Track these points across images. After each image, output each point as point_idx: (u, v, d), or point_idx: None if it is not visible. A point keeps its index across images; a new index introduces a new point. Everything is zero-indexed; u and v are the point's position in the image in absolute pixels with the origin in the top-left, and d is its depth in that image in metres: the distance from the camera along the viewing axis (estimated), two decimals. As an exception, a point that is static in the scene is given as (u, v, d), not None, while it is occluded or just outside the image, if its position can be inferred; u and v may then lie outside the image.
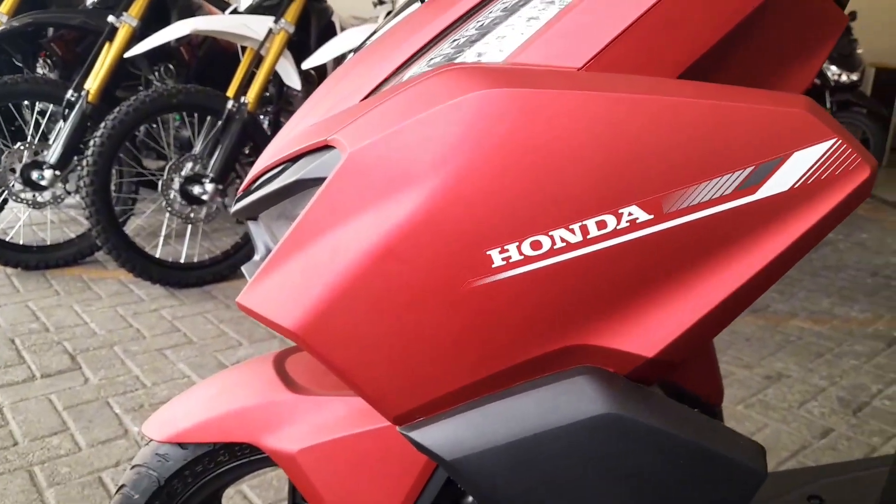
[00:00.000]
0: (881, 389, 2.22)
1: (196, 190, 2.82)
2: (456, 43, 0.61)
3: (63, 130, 2.80)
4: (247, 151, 2.94)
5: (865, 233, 4.19)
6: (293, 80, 2.97)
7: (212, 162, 2.81)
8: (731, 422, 1.98)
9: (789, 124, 0.50)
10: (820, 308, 2.92)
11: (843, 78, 5.13)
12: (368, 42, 0.80)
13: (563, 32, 0.54)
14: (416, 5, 0.73)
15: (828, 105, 5.16)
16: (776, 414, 2.04)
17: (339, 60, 2.98)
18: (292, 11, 2.88)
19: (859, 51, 5.29)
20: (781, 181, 0.51)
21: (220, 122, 2.80)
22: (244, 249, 2.95)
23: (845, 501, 1.05)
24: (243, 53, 2.95)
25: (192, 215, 2.88)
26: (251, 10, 3.02)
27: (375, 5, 3.82)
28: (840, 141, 0.50)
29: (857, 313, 2.88)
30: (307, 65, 2.96)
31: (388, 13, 3.20)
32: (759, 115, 0.50)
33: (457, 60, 0.59)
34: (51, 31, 3.39)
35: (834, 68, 5.13)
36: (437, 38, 0.64)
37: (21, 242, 2.98)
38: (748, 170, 0.51)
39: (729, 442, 0.58)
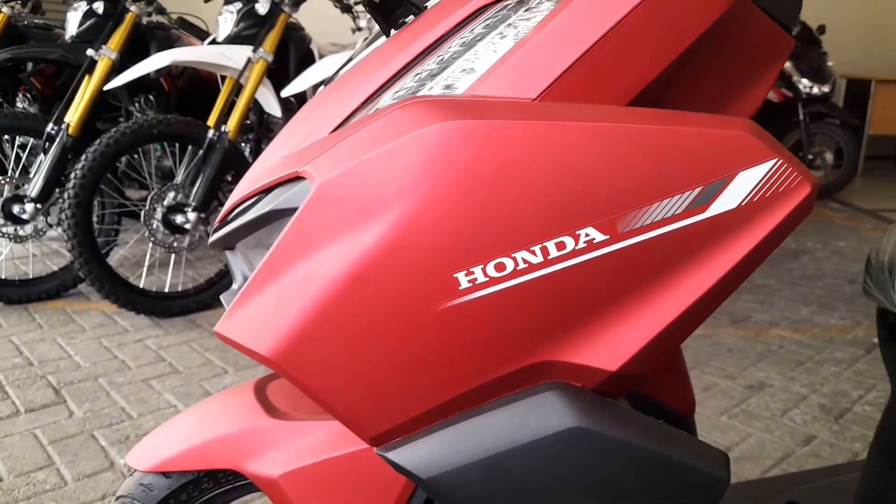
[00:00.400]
0: (861, 395, 2.25)
1: (179, 219, 2.83)
2: (418, 77, 0.63)
3: (44, 164, 2.81)
4: (229, 179, 2.95)
5: (843, 241, 4.26)
6: (273, 108, 3.00)
7: (194, 191, 2.82)
8: (715, 432, 2.00)
9: (733, 146, 0.53)
10: (800, 317, 2.97)
11: (815, 90, 5.23)
12: (339, 74, 0.83)
13: (518, 65, 0.57)
14: (382, 39, 0.76)
15: (801, 117, 5.26)
16: (759, 423, 2.07)
17: (318, 87, 3.02)
18: (270, 40, 2.92)
19: (829, 63, 5.41)
20: (729, 200, 0.54)
21: (201, 151, 2.81)
22: (228, 277, 2.96)
23: (822, 506, 1.07)
24: (223, 82, 2.98)
25: (175, 244, 2.89)
26: (230, 40, 3.06)
27: (353, 31, 3.87)
28: (781, 161, 0.53)
29: (837, 321, 2.93)
30: (287, 92, 2.99)
31: (366, 39, 3.24)
32: (704, 138, 0.53)
33: (419, 93, 0.61)
34: (30, 65, 3.41)
35: (805, 81, 5.24)
36: (401, 71, 0.66)
37: (3, 276, 2.96)
38: (697, 190, 0.53)
39: (693, 451, 0.60)
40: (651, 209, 0.53)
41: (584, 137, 0.53)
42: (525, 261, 0.55)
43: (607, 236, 0.54)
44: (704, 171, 0.53)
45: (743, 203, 0.54)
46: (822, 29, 5.50)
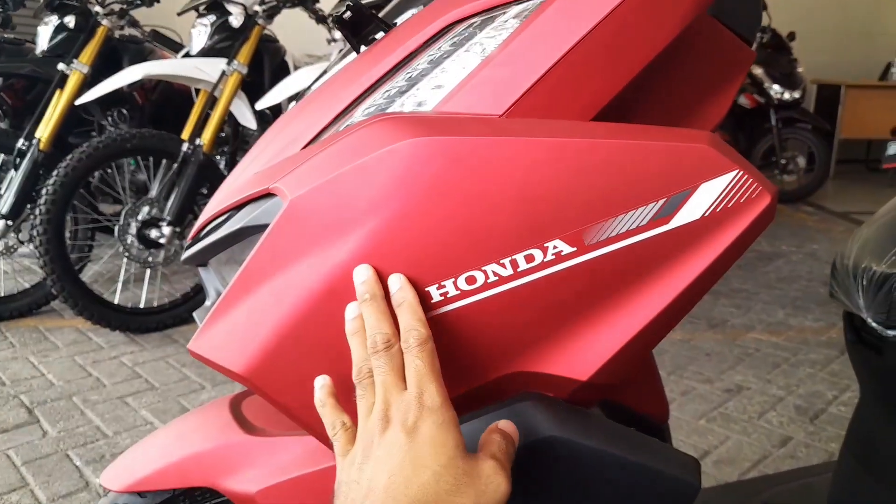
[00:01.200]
0: (836, 396, 2.29)
1: (153, 233, 2.80)
2: (387, 94, 0.64)
3: (14, 179, 2.78)
4: (204, 192, 2.93)
5: (816, 244, 4.33)
6: (248, 120, 2.99)
7: (168, 205, 2.80)
8: (694, 436, 2.02)
9: (695, 158, 0.54)
10: (776, 320, 3.01)
11: (786, 96, 5.33)
12: (311, 89, 0.83)
13: (485, 82, 0.58)
14: (352, 56, 0.77)
15: (773, 122, 5.35)
16: (737, 426, 2.09)
17: (293, 99, 3.02)
18: (245, 52, 2.92)
19: (800, 69, 5.51)
20: (692, 211, 0.55)
21: (175, 165, 2.80)
22: (203, 293, 2.93)
23: (796, 507, 1.09)
24: (197, 95, 2.96)
25: (150, 259, 2.86)
26: (203, 53, 3.05)
27: (329, 42, 3.87)
28: (741, 172, 0.54)
29: (811, 322, 2.97)
30: (261, 104, 2.99)
31: (340, 51, 3.25)
32: (667, 151, 0.54)
33: (388, 110, 0.62)
34: (0, 80, 3.36)
35: (776, 87, 5.34)
36: (371, 88, 0.67)
37: (-26, 295, 2.92)
38: (661, 202, 0.54)
39: (664, 457, 0.61)
40: (616, 221, 0.54)
41: (549, 152, 0.53)
42: (495, 273, 0.56)
43: (574, 248, 0.55)
44: (667, 184, 0.54)
45: (706, 214, 0.55)
46: (792, 36, 5.61)
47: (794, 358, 2.60)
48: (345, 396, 0.58)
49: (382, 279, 0.56)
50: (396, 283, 0.56)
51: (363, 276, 0.56)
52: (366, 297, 0.55)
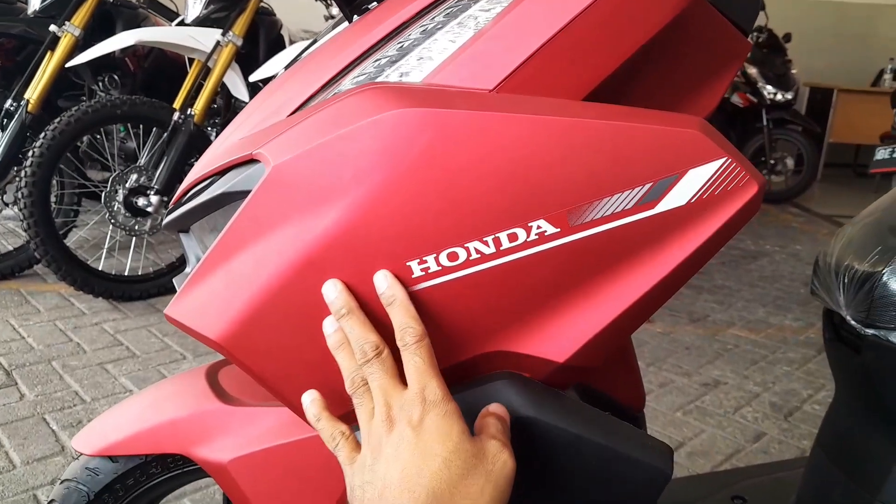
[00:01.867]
0: (811, 394, 2.31)
1: (141, 202, 2.78)
2: (378, 63, 0.63)
3: (1, 140, 2.74)
4: (193, 163, 2.90)
5: (800, 245, 4.36)
6: (241, 93, 2.96)
7: (157, 174, 2.77)
8: (670, 428, 2.04)
9: (684, 143, 0.54)
10: (756, 317, 3.03)
11: (779, 97, 5.35)
12: (301, 58, 0.82)
13: (476, 56, 0.57)
14: (344, 24, 0.76)
15: (764, 122, 5.36)
16: (713, 420, 2.11)
17: (287, 73, 2.98)
18: (241, 24, 2.88)
19: (793, 71, 5.53)
20: (678, 196, 0.55)
21: (165, 134, 2.77)
22: (190, 262, 2.92)
23: (765, 500, 1.10)
24: (191, 65, 2.93)
25: (136, 227, 2.84)
26: (199, 22, 3.01)
27: (326, 19, 3.83)
28: (730, 160, 0.54)
29: (791, 322, 3.00)
30: (255, 77, 2.96)
31: (331, 18, 3.22)
32: (656, 135, 0.54)
33: (377, 80, 0.61)
34: (-11, 39, 3.31)
35: (770, 87, 5.35)
36: (361, 56, 0.66)
37: (-45, 255, 2.89)
38: (647, 185, 0.54)
39: (637, 443, 0.61)
40: (602, 203, 0.54)
41: (538, 130, 0.53)
42: (477, 251, 0.55)
43: (558, 229, 0.54)
44: (655, 168, 0.54)
45: (692, 200, 0.55)
46: (787, 37, 5.61)
47: (772, 355, 2.62)
48: (323, 370, 0.58)
49: (363, 256, 0.56)
50: (384, 281, 0.56)
51: (334, 291, 0.56)
52: (343, 312, 0.56)
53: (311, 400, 0.59)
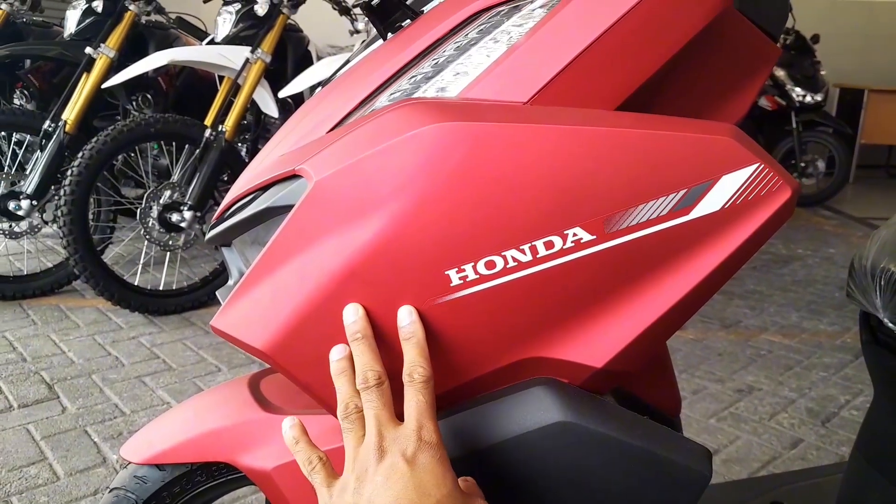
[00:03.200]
0: (849, 400, 2.28)
1: (174, 217, 2.84)
2: (413, 79, 0.65)
3: (40, 160, 2.82)
4: (225, 179, 2.97)
5: (833, 248, 4.29)
6: (270, 109, 3.01)
7: (190, 189, 2.83)
8: (704, 434, 2.02)
9: (717, 150, 0.55)
10: (789, 322, 2.99)
11: (808, 99, 5.28)
12: (336, 76, 0.85)
13: (510, 70, 0.59)
14: (379, 42, 0.78)
15: (794, 125, 5.29)
16: (748, 426, 2.09)
17: (315, 88, 3.03)
18: (269, 41, 2.94)
19: (823, 72, 5.46)
20: (712, 203, 0.55)
21: (197, 151, 2.83)
22: (223, 276, 2.97)
23: (805, 506, 1.09)
24: (221, 83, 2.99)
25: (170, 242, 2.90)
26: (228, 40, 3.08)
27: (352, 34, 3.88)
28: (763, 165, 0.55)
29: (826, 326, 2.95)
30: (284, 93, 3.01)
31: (363, 42, 3.26)
32: (689, 143, 0.55)
33: (414, 95, 0.63)
34: (28, 62, 3.41)
35: (799, 90, 5.28)
36: (397, 74, 0.68)
37: (-3, 273, 2.97)
38: (682, 192, 0.55)
39: (675, 446, 0.61)
40: (637, 210, 0.55)
41: (573, 140, 0.54)
42: (514, 259, 0.57)
43: (594, 236, 0.56)
44: (689, 175, 0.55)
45: (726, 206, 0.56)
46: (815, 38, 5.55)
47: (808, 361, 2.58)
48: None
49: (404, 267, 0.57)
50: (407, 316, 0.58)
51: (352, 316, 0.59)
52: (357, 337, 0.58)
53: (290, 426, 0.62)
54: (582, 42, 0.57)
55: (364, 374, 0.58)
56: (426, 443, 0.55)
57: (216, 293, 0.78)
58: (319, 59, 3.43)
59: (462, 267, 0.57)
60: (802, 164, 5.39)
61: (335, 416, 0.66)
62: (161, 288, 2.95)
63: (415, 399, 0.56)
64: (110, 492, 0.89)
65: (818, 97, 5.32)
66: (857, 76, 6.72)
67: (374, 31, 0.84)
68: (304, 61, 3.38)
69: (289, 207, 0.62)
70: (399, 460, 0.54)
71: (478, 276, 0.57)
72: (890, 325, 0.85)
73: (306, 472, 0.60)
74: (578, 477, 0.62)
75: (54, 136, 2.82)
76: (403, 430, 0.56)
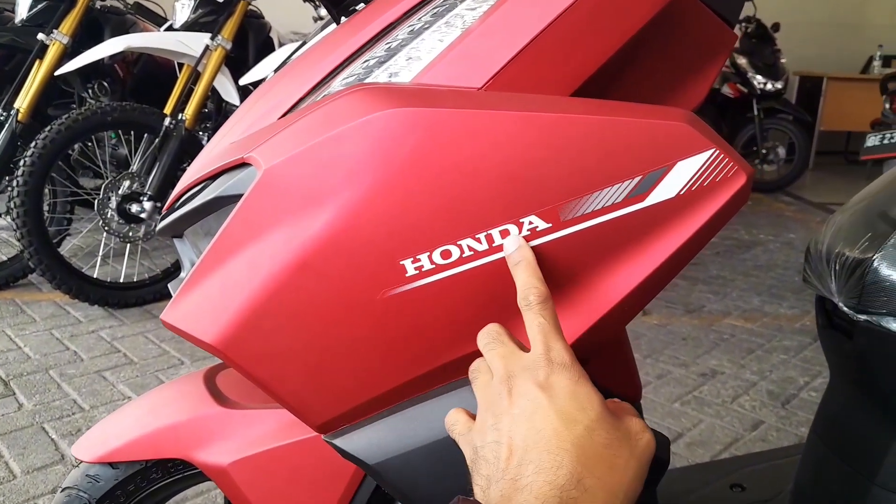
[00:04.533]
0: (808, 382, 2.33)
1: (134, 208, 2.77)
2: (367, 64, 0.63)
3: (-8, 150, 2.73)
4: (185, 168, 2.90)
5: (793, 233, 4.38)
6: (232, 96, 2.95)
7: (150, 180, 2.77)
8: (668, 419, 2.05)
9: (672, 136, 0.54)
10: (751, 306, 3.05)
11: (769, 86, 5.36)
12: (290, 60, 0.83)
13: (464, 55, 0.57)
14: (332, 27, 0.76)
15: (755, 112, 5.38)
16: (710, 409, 2.12)
17: (277, 75, 2.98)
18: (229, 28, 2.87)
19: (783, 60, 5.54)
20: (668, 189, 0.55)
21: (157, 140, 2.76)
22: (185, 267, 2.92)
23: (764, 487, 1.11)
24: (180, 70, 2.92)
25: (130, 234, 2.83)
26: (187, 27, 3.01)
27: (315, 20, 3.82)
28: (718, 151, 0.54)
29: (786, 310, 3.01)
30: (245, 80, 2.96)
31: (319, 20, 3.22)
32: (644, 128, 0.54)
33: (366, 80, 0.61)
34: (-23, 49, 3.29)
35: (759, 77, 5.37)
36: (350, 58, 0.66)
37: (-51, 267, 2.88)
38: (637, 179, 0.55)
39: (633, 433, 0.61)
40: (592, 198, 0.55)
41: (527, 127, 0.53)
42: (470, 248, 0.56)
43: (550, 224, 0.55)
44: (644, 161, 0.54)
45: (681, 192, 0.55)
46: (776, 27, 5.63)
47: (768, 344, 2.63)
48: (320, 370, 0.59)
49: (356, 257, 0.56)
50: (514, 242, 0.55)
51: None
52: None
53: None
54: (536, 26, 0.56)
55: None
56: (559, 364, 0.50)
57: (168, 286, 0.76)
58: (282, 45, 3.37)
59: (417, 257, 0.56)
60: (763, 151, 5.48)
61: (290, 411, 0.65)
62: (121, 280, 2.89)
63: (536, 321, 0.52)
64: (62, 491, 0.86)
65: (778, 85, 5.41)
66: (817, 64, 6.85)
67: (342, 19, 0.82)
68: (266, 48, 3.32)
69: (238, 197, 0.60)
70: (532, 388, 0.49)
71: (433, 266, 0.56)
72: (845, 308, 0.86)
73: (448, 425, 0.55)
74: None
75: (6, 125, 2.73)
76: (531, 356, 0.51)
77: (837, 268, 0.86)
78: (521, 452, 0.47)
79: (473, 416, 0.54)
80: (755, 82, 5.37)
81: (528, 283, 0.53)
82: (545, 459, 0.46)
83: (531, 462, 0.47)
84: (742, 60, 5.40)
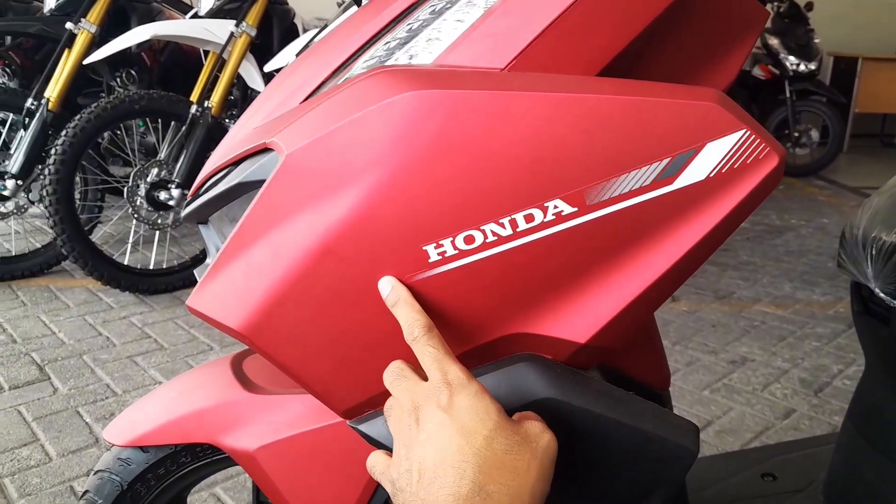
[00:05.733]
0: (842, 370, 2.28)
1: (162, 195, 2.81)
2: (388, 46, 0.62)
3: (24, 140, 2.78)
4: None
5: (826, 218, 4.29)
6: (257, 83, 2.96)
7: (177, 167, 2.80)
8: (698, 406, 2.03)
9: (701, 116, 0.52)
10: (783, 293, 2.99)
11: (802, 67, 5.23)
12: (311, 44, 0.82)
13: (487, 34, 0.56)
14: (353, 9, 0.75)
15: (787, 94, 5.25)
16: (741, 397, 2.09)
17: (302, 62, 2.98)
18: (254, 14, 2.88)
19: (816, 40, 5.40)
20: (697, 171, 0.53)
21: (184, 127, 2.79)
22: (213, 254, 2.95)
23: (795, 477, 1.09)
24: (206, 57, 2.94)
25: (159, 221, 2.87)
26: (212, 14, 3.01)
27: (339, 5, 3.82)
28: (749, 131, 0.53)
29: (819, 296, 2.95)
30: (270, 67, 2.96)
31: (340, 4, 3.22)
32: (673, 109, 0.52)
33: (388, 63, 0.60)
34: (8, 39, 3.35)
35: (792, 58, 5.24)
36: (371, 40, 0.65)
37: (-15, 254, 2.95)
38: (665, 161, 0.53)
39: (661, 421, 0.60)
40: (619, 181, 0.53)
41: (552, 108, 0.52)
42: (494, 233, 0.55)
43: (575, 208, 0.54)
44: (673, 142, 0.53)
45: (711, 174, 0.54)
46: (809, 6, 5.48)
47: (801, 331, 2.59)
48: (345, 356, 0.59)
49: (379, 242, 0.55)
50: (387, 286, 0.56)
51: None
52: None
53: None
54: (560, 4, 0.55)
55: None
56: (457, 385, 0.52)
57: (194, 272, 0.76)
58: (306, 31, 3.37)
59: (440, 242, 0.55)
60: (796, 134, 5.36)
61: (315, 396, 0.65)
62: (151, 267, 2.93)
63: (426, 352, 0.54)
64: (95, 474, 0.88)
65: (812, 66, 5.28)
66: (851, 44, 6.66)
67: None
68: (290, 34, 3.32)
69: (260, 182, 0.59)
70: (436, 412, 0.52)
71: (456, 252, 0.56)
72: (881, 294, 0.84)
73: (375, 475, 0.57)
74: (562, 454, 0.61)
75: (37, 115, 2.77)
76: (431, 384, 0.53)
77: (874, 252, 0.84)
78: (430, 473, 0.50)
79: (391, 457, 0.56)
80: (788, 63, 5.24)
81: (409, 317, 0.55)
82: (449, 474, 0.49)
83: (437, 479, 0.49)
84: (774, 41, 5.27)
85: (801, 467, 1.12)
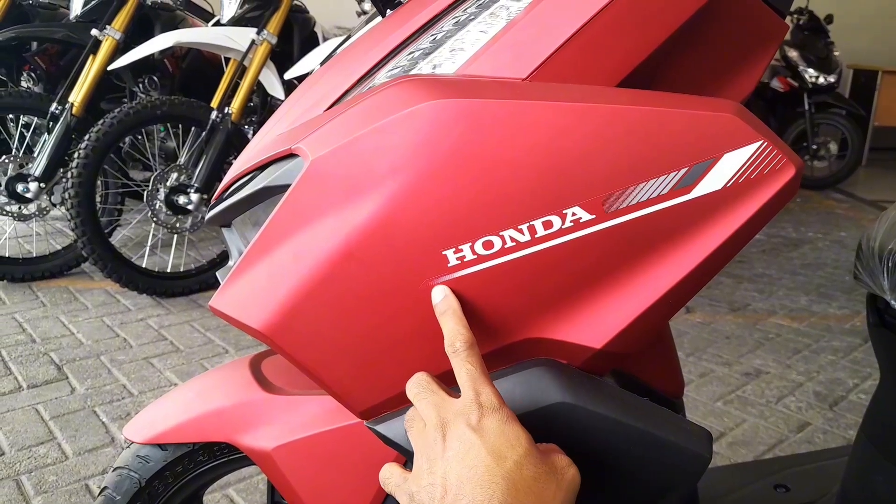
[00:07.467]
0: (857, 384, 2.26)
1: (181, 200, 2.84)
2: (412, 56, 0.64)
3: (48, 143, 2.82)
4: (231, 161, 2.96)
5: (844, 231, 4.25)
6: (276, 90, 3.00)
7: (197, 172, 2.83)
8: (711, 418, 2.02)
9: (720, 127, 0.53)
10: (798, 305, 2.97)
11: (821, 80, 5.21)
12: (336, 53, 0.84)
13: (509, 45, 0.57)
14: (378, 19, 0.77)
15: (806, 107, 5.23)
16: (754, 409, 2.08)
17: (321, 70, 3.01)
18: (275, 22, 2.92)
19: (836, 53, 5.38)
20: (714, 181, 0.54)
21: (204, 133, 2.82)
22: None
23: (809, 488, 1.09)
24: (227, 64, 2.98)
25: (177, 225, 2.90)
26: (234, 22, 3.05)
27: (359, 15, 3.85)
28: (766, 143, 0.54)
29: (835, 310, 2.93)
30: (290, 75, 2.99)
31: (364, 13, 3.25)
32: (691, 120, 0.53)
33: (412, 72, 0.62)
34: (34, 44, 3.41)
35: (811, 71, 5.21)
36: (395, 50, 0.67)
37: (6, 255, 2.99)
38: (683, 171, 0.54)
39: (675, 428, 0.61)
40: (637, 189, 0.54)
41: (573, 118, 0.53)
42: (513, 239, 0.56)
43: (594, 216, 0.55)
44: (691, 152, 0.54)
45: (728, 184, 0.54)
46: (829, 18, 5.46)
47: (816, 344, 2.57)
48: (364, 357, 0.60)
49: (400, 247, 0.57)
50: (439, 294, 0.57)
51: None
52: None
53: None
54: (582, 16, 0.56)
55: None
56: (488, 408, 0.53)
57: (216, 273, 0.78)
58: (326, 40, 3.41)
59: (459, 247, 0.56)
60: (814, 147, 5.33)
61: (334, 397, 0.66)
62: (168, 270, 2.96)
63: (464, 368, 0.54)
64: (114, 471, 0.89)
65: (831, 79, 5.25)
66: (871, 57, 6.63)
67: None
68: (311, 42, 3.36)
69: (285, 187, 0.61)
70: (466, 431, 0.52)
71: (475, 257, 0.57)
72: (897, 307, 0.84)
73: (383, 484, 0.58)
74: (577, 459, 0.61)
75: (61, 119, 2.82)
76: (462, 402, 0.54)
77: (890, 265, 0.84)
78: (456, 489, 0.50)
79: (407, 470, 0.56)
80: (807, 76, 5.22)
81: (454, 330, 0.56)
82: (478, 493, 0.49)
83: (465, 496, 0.49)
84: (793, 53, 5.25)
85: (815, 479, 1.12)
